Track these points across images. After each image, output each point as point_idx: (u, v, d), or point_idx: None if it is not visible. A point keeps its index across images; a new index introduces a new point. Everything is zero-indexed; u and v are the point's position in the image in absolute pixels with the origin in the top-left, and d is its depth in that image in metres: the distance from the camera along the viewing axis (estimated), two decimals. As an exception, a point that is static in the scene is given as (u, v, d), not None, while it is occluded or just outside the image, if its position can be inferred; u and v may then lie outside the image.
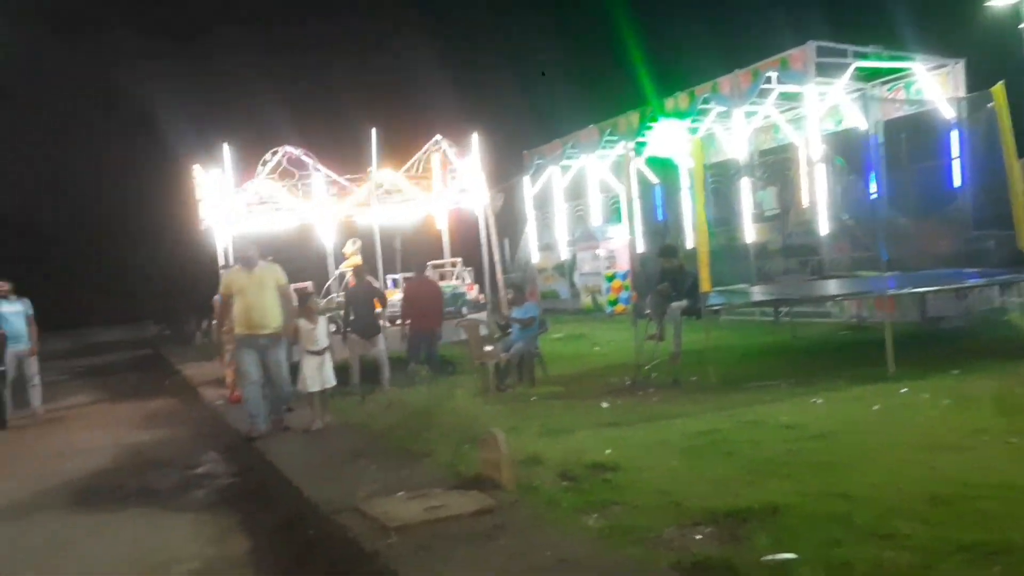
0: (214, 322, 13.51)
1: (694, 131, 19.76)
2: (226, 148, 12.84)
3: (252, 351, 8.28)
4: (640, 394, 9.44)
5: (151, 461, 8.50)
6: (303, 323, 8.58)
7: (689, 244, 18.67)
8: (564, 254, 23.40)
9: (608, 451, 6.50)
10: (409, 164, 14.10)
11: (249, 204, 13.25)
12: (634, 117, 20.06)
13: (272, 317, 8.29)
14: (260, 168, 13.12)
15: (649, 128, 20.15)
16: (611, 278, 19.92)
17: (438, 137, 13.69)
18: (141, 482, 7.57)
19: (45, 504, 7.07)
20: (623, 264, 19.98)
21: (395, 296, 13.07)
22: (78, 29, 36.74)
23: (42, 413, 12.33)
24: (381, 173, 13.50)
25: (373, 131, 13.41)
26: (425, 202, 14.57)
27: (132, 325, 30.32)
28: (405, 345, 11.22)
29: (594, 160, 22.51)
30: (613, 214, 22.94)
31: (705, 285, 9.60)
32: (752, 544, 4.18)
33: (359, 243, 14.29)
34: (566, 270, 23.12)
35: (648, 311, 10.60)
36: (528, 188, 24.40)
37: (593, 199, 23.13)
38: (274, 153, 13.27)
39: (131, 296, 31.06)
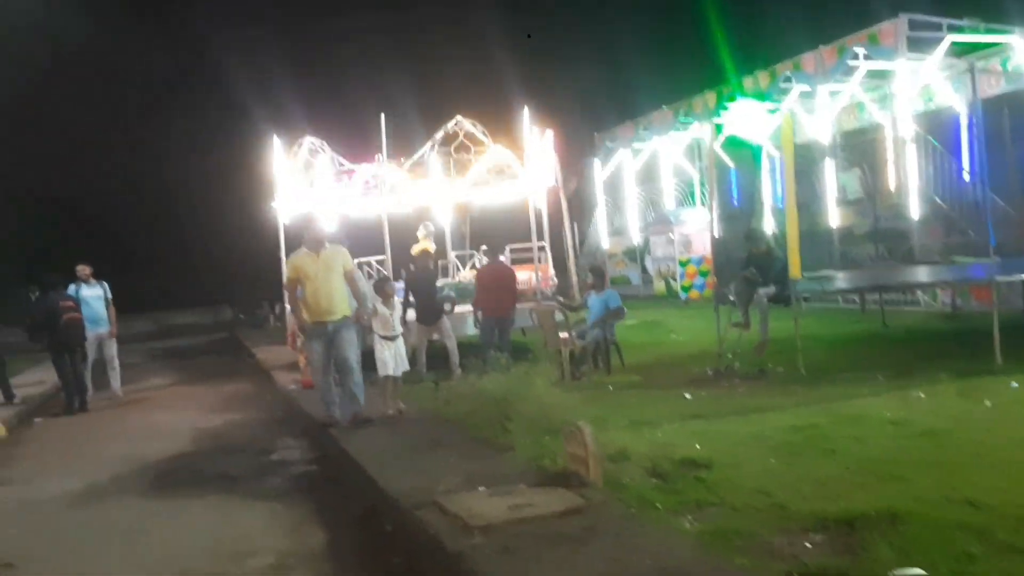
0: (288, 307, 13.55)
1: (773, 112, 19.03)
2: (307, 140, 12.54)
3: (320, 339, 7.92)
4: (725, 385, 9.04)
5: (228, 446, 8.46)
6: (379, 307, 8.35)
7: (769, 229, 17.99)
8: (636, 239, 22.91)
9: (698, 446, 6.15)
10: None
11: (365, 184, 12.95)
12: (710, 97, 19.39)
13: (340, 303, 7.92)
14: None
15: (725, 109, 19.44)
16: (685, 263, 19.40)
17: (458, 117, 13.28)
18: (218, 467, 7.50)
19: (125, 488, 7.05)
20: (698, 249, 19.46)
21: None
22: (142, 6, 37.32)
23: (122, 395, 12.51)
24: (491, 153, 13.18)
25: (458, 118, 13.22)
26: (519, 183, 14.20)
27: (208, 308, 30.87)
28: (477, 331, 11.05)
29: (667, 142, 21.93)
30: (687, 198, 22.32)
31: (795, 271, 9.11)
32: (873, 556, 3.80)
33: (431, 227, 14.13)
34: (637, 255, 22.65)
35: (732, 298, 10.16)
36: (598, 171, 23.91)
37: (666, 182, 22.55)
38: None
39: (207, 280, 31.59)
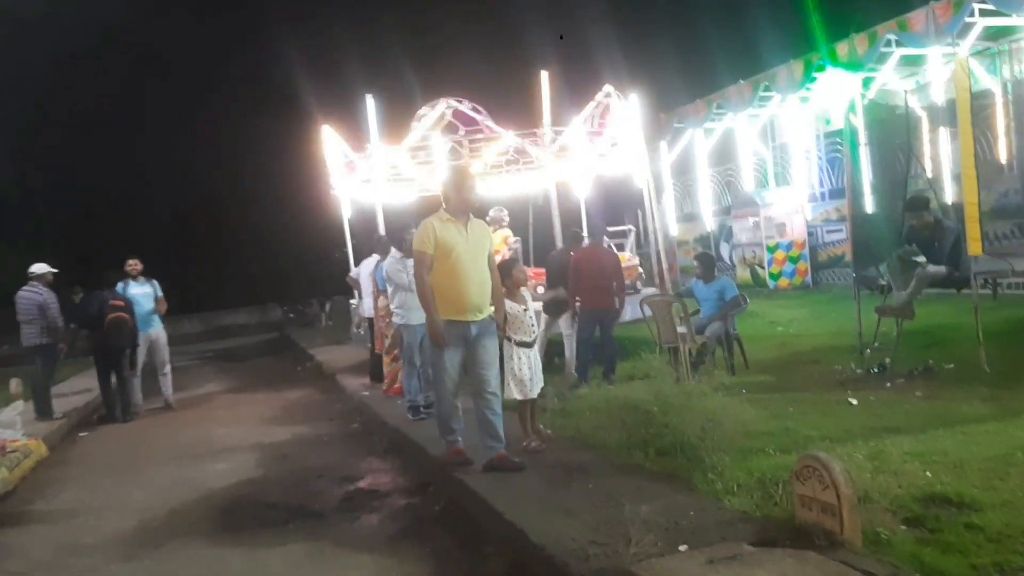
0: (353, 302, 12.20)
1: (869, 82, 17.28)
2: (370, 101, 11.04)
3: (458, 346, 5.71)
4: (888, 387, 7.50)
5: (302, 469, 7.11)
6: (509, 304, 6.15)
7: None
8: (709, 225, 21.30)
9: (928, 473, 4.66)
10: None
11: (415, 161, 11.47)
12: (797, 67, 17.75)
13: (488, 296, 5.83)
14: (415, 124, 11.36)
15: (814, 80, 17.79)
16: (773, 249, 17.76)
17: (608, 88, 11.62)
18: (295, 499, 6.15)
19: (185, 528, 5.72)
20: (787, 233, 17.81)
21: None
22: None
23: (173, 403, 11.34)
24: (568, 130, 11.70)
25: (544, 75, 11.66)
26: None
27: (258, 307, 29.81)
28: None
29: (743, 120, 20.28)
30: (776, 177, 20.63)
31: (974, 247, 7.52)
32: None
33: (505, 211, 12.70)
34: (711, 242, 21.04)
35: (884, 281, 8.59)
36: (665, 154, 22.26)
37: (744, 162, 20.87)
38: (432, 106, 11.46)
39: (255, 278, 30.56)
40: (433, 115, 11.32)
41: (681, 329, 8.86)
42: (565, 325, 9.71)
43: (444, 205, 5.78)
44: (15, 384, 12.46)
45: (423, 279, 5.65)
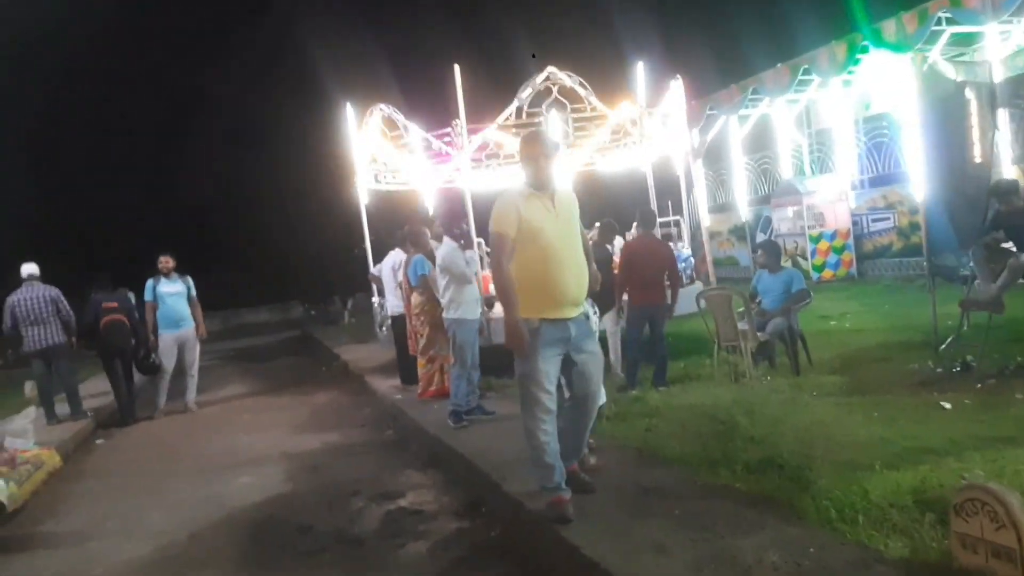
0: (376, 300, 11.56)
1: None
2: (457, 72, 9.92)
3: (554, 350, 4.46)
4: (978, 387, 6.74)
5: (335, 484, 6.45)
6: None
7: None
8: (744, 215, 20.50)
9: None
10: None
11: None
12: (839, 49, 16.89)
13: (585, 285, 4.62)
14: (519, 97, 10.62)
15: (858, 62, 16.94)
16: (817, 239, 16.96)
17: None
18: (330, 521, 5.50)
19: (204, 555, 5.09)
20: (831, 223, 17.00)
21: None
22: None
23: (195, 407, 10.78)
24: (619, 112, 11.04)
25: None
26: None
27: (277, 306, 29.34)
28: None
29: (780, 106, 19.44)
30: (814, 165, 19.81)
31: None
32: None
33: None
34: (747, 233, 20.25)
35: (967, 271, 7.84)
36: (696, 143, 21.42)
37: (782, 149, 20.04)
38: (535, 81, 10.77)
39: (275, 275, 30.08)
40: (534, 85, 10.72)
41: (742, 325, 8.14)
42: (609, 322, 9.04)
43: (525, 180, 4.62)
44: (30, 388, 11.91)
45: (502, 269, 4.38)
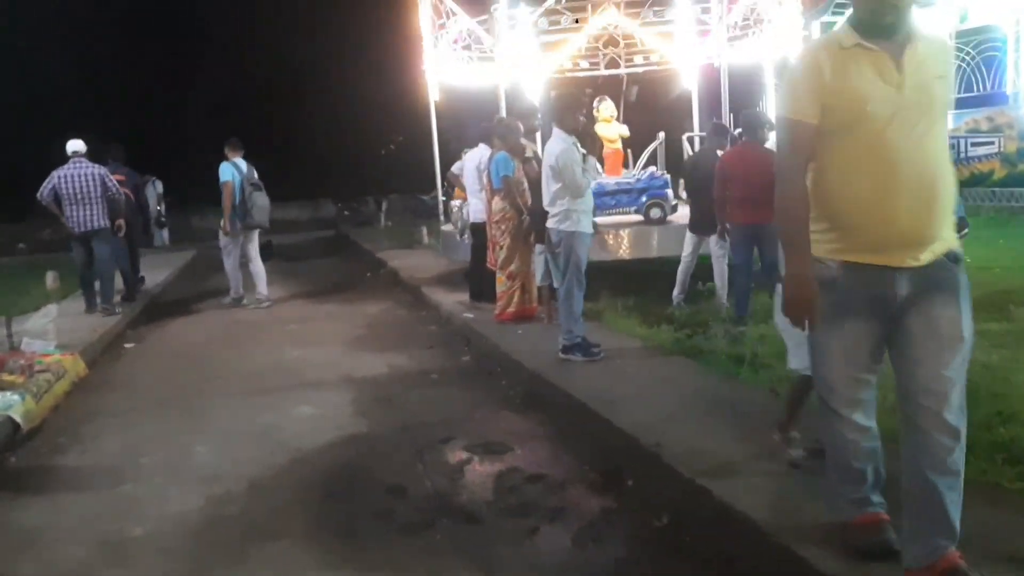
0: (456, 203, 10.19)
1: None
2: None
3: (863, 320, 2.70)
4: None
5: (419, 425, 5.27)
6: None
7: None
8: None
9: None
10: None
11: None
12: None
13: (944, 209, 2.63)
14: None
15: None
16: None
17: None
18: (426, 480, 4.34)
19: (280, 520, 3.95)
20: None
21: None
22: None
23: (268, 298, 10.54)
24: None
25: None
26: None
27: (308, 202, 28.00)
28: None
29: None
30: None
31: None
32: None
33: (608, 101, 10.54)
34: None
35: None
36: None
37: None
38: None
39: (305, 170, 28.55)
40: None
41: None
42: (715, 245, 7.76)
43: (851, 16, 2.69)
44: (52, 279, 10.86)
45: (791, 178, 2.71)
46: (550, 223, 6.10)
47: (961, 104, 15.95)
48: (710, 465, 3.79)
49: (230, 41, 28.97)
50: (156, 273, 12.90)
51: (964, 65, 16.30)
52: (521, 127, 7.55)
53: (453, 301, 8.93)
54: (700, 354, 5.96)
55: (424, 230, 15.94)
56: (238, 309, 10.29)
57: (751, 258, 7.29)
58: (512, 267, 7.48)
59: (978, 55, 15.97)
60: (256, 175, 10.08)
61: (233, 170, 9.77)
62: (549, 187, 6.05)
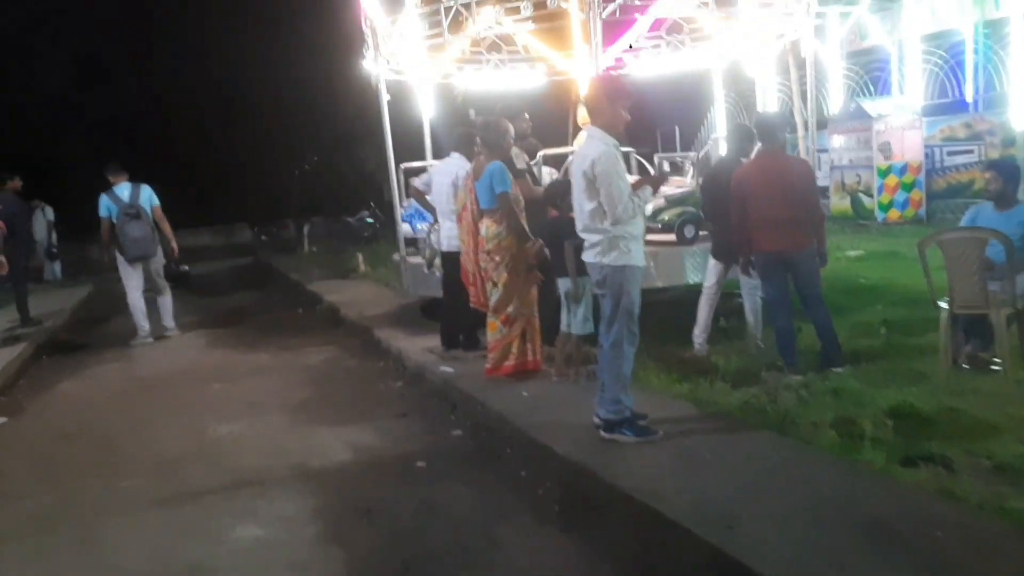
0: (423, 226, 8.33)
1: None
2: None
3: None
4: None
5: (426, 556, 3.58)
6: None
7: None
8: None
9: None
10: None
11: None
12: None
13: None
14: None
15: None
16: (885, 172, 14.36)
17: None
18: None
19: None
20: (898, 154, 14.36)
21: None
22: None
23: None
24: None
25: None
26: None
27: (222, 228, 25.72)
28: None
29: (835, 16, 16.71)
30: (868, 86, 17.19)
31: None
32: None
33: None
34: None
35: None
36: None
37: (832, 68, 17.23)
38: None
39: (218, 194, 26.19)
40: None
41: (993, 286, 5.45)
42: (743, 275, 6.29)
43: None
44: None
45: None
46: (588, 255, 4.47)
47: (934, 111, 15.15)
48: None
49: (129, 54, 26.55)
50: (45, 312, 10.83)
51: (936, 70, 15.53)
52: (512, 129, 5.91)
53: (419, 348, 7.19)
54: (784, 424, 4.44)
55: (360, 257, 14.12)
56: (145, 359, 8.41)
57: (787, 290, 5.85)
58: (510, 309, 5.82)
59: (951, 59, 15.19)
60: (147, 197, 9.34)
61: (109, 203, 9.09)
62: (583, 206, 4.42)
